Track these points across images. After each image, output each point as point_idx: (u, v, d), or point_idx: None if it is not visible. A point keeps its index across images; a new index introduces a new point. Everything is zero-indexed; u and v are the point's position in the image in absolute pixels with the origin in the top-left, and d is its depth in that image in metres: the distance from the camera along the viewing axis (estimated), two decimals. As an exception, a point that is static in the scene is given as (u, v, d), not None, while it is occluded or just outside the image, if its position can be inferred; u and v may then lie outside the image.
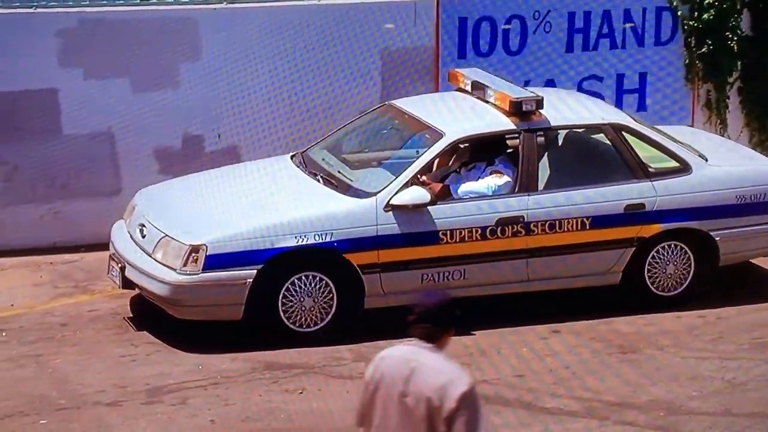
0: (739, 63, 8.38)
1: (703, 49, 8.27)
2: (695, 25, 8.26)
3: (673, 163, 6.77)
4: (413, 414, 3.65)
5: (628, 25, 8.08)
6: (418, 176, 6.44)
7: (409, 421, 3.66)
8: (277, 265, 6.16)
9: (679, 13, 8.26)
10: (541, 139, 6.71)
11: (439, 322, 3.71)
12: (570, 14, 8.06)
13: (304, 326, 6.28)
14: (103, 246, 6.92)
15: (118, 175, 7.49)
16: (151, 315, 6.49)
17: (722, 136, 8.30)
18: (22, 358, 6.10)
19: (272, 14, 7.61)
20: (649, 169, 6.70)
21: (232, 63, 7.57)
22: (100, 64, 7.36)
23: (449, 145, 6.53)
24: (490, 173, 6.58)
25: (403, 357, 3.72)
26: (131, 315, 6.59)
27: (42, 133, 7.35)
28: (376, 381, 3.73)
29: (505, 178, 6.53)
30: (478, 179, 6.58)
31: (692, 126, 8.26)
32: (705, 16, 8.24)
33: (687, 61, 8.32)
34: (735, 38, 8.29)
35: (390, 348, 3.78)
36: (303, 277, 6.22)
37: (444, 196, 6.46)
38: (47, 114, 7.33)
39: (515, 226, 6.44)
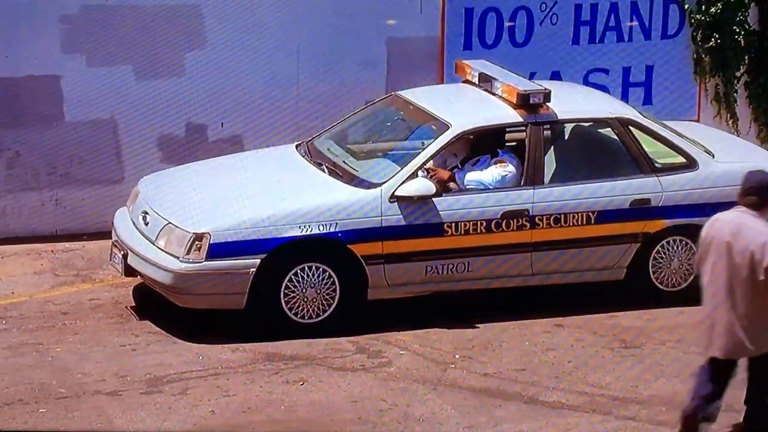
0: (746, 57, 8.34)
1: (710, 43, 8.23)
2: (702, 18, 8.22)
3: (680, 159, 6.75)
4: (737, 263, 4.93)
5: (631, 24, 8.04)
6: (424, 166, 6.42)
7: (734, 268, 4.94)
8: (280, 254, 6.14)
9: (686, 6, 8.21)
10: (547, 133, 6.68)
11: (762, 195, 4.95)
12: (577, 6, 8.01)
13: (306, 317, 6.25)
14: (105, 234, 6.90)
15: (121, 163, 7.46)
16: (152, 304, 6.46)
17: (735, 130, 8.27)
18: (22, 346, 6.08)
19: (277, 2, 7.56)
20: (656, 165, 6.68)
21: (237, 51, 7.53)
22: (103, 51, 7.31)
23: (456, 136, 6.50)
24: (495, 163, 6.56)
25: (732, 220, 5.01)
26: (133, 304, 6.56)
27: (44, 120, 7.31)
28: (710, 238, 5.04)
29: (510, 168, 6.51)
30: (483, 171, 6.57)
31: (698, 120, 8.24)
32: (712, 9, 8.19)
33: (694, 55, 8.28)
34: (742, 32, 8.24)
35: (720, 213, 5.10)
36: (306, 268, 6.19)
37: (452, 183, 6.42)
38: (50, 101, 7.28)
39: (520, 220, 6.41)
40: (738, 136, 8.22)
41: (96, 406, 5.56)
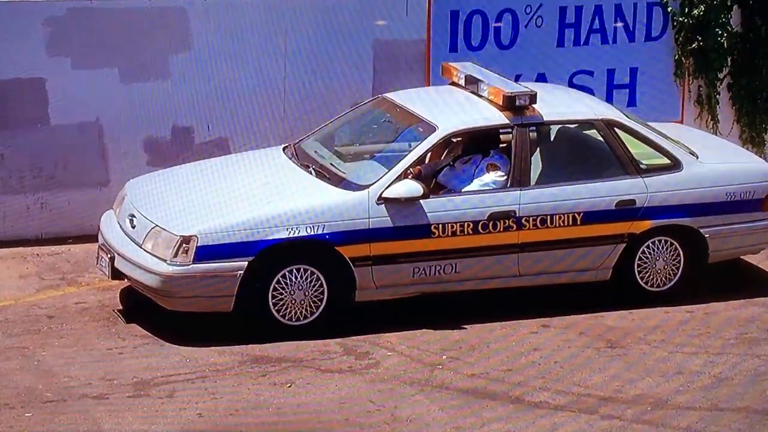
0: (728, 59, 8.42)
1: (693, 45, 8.30)
2: (685, 21, 8.29)
3: (664, 160, 6.80)
4: None
5: (617, 25, 8.10)
6: (410, 169, 6.44)
7: None
8: (268, 257, 6.14)
9: (669, 9, 8.28)
10: (533, 134, 6.72)
11: None
12: (561, 9, 8.07)
13: (294, 319, 6.25)
14: (91, 238, 6.88)
15: (107, 166, 7.44)
16: (139, 307, 6.44)
17: (714, 132, 8.35)
18: (7, 350, 6.06)
19: (263, 5, 7.57)
20: (641, 166, 6.73)
21: (223, 54, 7.53)
22: (88, 53, 7.29)
23: (442, 138, 6.53)
24: (486, 166, 6.59)
25: None
26: (120, 307, 6.54)
27: (29, 122, 7.29)
28: None
29: (502, 173, 6.53)
30: (474, 172, 6.58)
31: (682, 122, 8.31)
32: (695, 12, 8.26)
33: (677, 57, 8.35)
34: (725, 34, 8.32)
35: None
36: (294, 270, 6.20)
37: (423, 179, 6.43)
38: (35, 103, 7.26)
39: (507, 221, 6.44)
40: (719, 137, 8.30)
41: (83, 409, 5.54)
